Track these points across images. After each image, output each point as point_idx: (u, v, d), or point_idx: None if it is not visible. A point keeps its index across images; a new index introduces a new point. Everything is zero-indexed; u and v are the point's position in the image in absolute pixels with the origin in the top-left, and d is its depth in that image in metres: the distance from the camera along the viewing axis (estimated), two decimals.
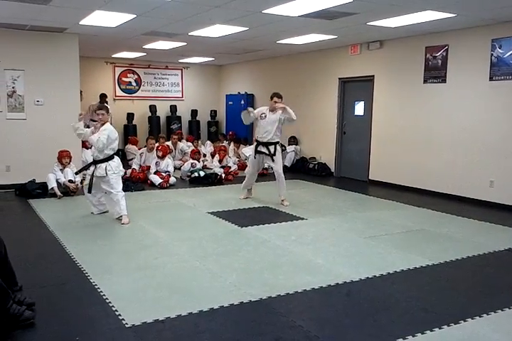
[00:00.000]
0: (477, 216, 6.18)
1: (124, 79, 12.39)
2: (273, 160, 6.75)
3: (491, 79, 6.74)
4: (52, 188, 7.11)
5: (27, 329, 2.97)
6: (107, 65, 12.14)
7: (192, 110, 13.06)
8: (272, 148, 6.72)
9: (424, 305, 3.43)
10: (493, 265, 4.40)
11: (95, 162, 5.74)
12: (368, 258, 4.51)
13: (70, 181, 7.21)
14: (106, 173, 5.64)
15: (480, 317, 3.22)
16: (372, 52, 8.63)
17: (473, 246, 4.88)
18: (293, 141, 10.63)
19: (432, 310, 3.34)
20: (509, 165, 6.58)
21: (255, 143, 6.87)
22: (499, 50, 6.60)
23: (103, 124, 5.72)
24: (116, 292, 3.57)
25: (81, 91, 9.13)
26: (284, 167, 10.34)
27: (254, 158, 6.88)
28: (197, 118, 13.15)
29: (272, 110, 6.72)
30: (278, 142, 6.82)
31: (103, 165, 5.66)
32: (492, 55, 6.69)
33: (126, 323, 3.06)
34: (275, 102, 6.70)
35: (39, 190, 7.16)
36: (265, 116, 6.71)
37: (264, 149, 6.74)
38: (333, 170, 9.75)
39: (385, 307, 3.41)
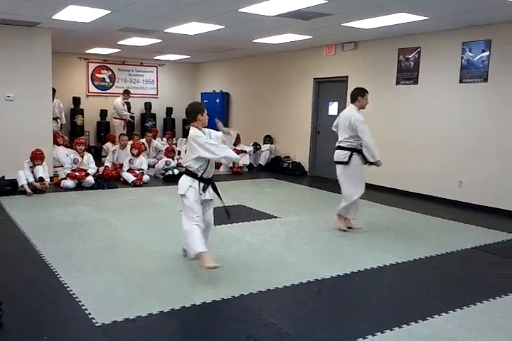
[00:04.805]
0: (446, 215, 6.32)
1: (98, 75, 12.21)
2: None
3: (460, 81, 6.90)
4: (22, 185, 6.97)
5: None
6: (81, 61, 11.94)
7: (167, 108, 12.97)
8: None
9: (393, 302, 3.49)
10: (459, 263, 4.51)
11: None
12: (339, 256, 4.58)
13: (41, 178, 7.07)
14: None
15: (447, 313, 3.30)
16: (347, 53, 8.72)
17: (441, 244, 4.99)
18: (268, 140, 10.67)
19: (401, 307, 3.41)
20: (477, 166, 6.75)
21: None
22: (469, 53, 6.76)
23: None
24: (86, 291, 3.53)
25: (54, 90, 8.98)
26: (259, 166, 10.42)
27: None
28: (172, 116, 13.07)
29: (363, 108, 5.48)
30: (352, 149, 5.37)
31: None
32: (462, 58, 6.85)
33: (96, 322, 3.02)
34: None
35: (8, 187, 7.01)
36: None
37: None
38: (307, 169, 9.82)
39: (355, 305, 3.47)
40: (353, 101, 5.45)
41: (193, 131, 3.96)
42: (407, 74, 7.67)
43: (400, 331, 3.03)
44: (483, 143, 6.67)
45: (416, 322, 3.15)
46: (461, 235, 5.45)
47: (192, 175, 3.94)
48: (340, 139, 5.37)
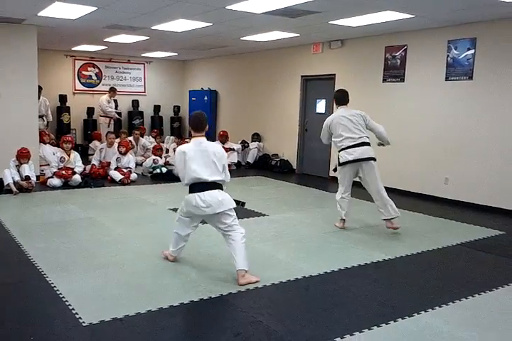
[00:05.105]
0: (432, 212, 6.38)
1: (85, 72, 12.11)
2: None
3: (446, 79, 6.96)
4: (8, 184, 6.89)
5: None
6: (67, 58, 11.83)
7: (155, 105, 12.91)
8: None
9: (380, 299, 3.52)
10: (445, 259, 4.56)
11: None
12: (327, 253, 4.60)
13: (27, 177, 7.00)
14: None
15: (433, 309, 3.34)
16: (334, 51, 8.75)
17: (427, 241, 5.04)
18: (256, 137, 10.67)
19: (388, 304, 3.43)
20: (463, 163, 6.82)
21: None
22: (455, 51, 6.82)
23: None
24: (73, 290, 3.51)
25: (40, 87, 8.91)
26: (247, 163, 10.42)
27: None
28: (160, 113, 13.01)
29: None
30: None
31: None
32: (448, 56, 6.91)
33: (83, 322, 3.01)
34: None
35: None
36: None
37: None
38: (295, 166, 9.85)
39: (342, 302, 3.49)
40: (345, 103, 5.41)
41: (216, 144, 3.97)
42: (394, 71, 7.71)
43: (387, 327, 3.06)
44: (469, 140, 6.74)
45: (403, 319, 3.17)
46: (447, 232, 5.51)
47: (222, 188, 3.91)
48: (358, 136, 5.24)
